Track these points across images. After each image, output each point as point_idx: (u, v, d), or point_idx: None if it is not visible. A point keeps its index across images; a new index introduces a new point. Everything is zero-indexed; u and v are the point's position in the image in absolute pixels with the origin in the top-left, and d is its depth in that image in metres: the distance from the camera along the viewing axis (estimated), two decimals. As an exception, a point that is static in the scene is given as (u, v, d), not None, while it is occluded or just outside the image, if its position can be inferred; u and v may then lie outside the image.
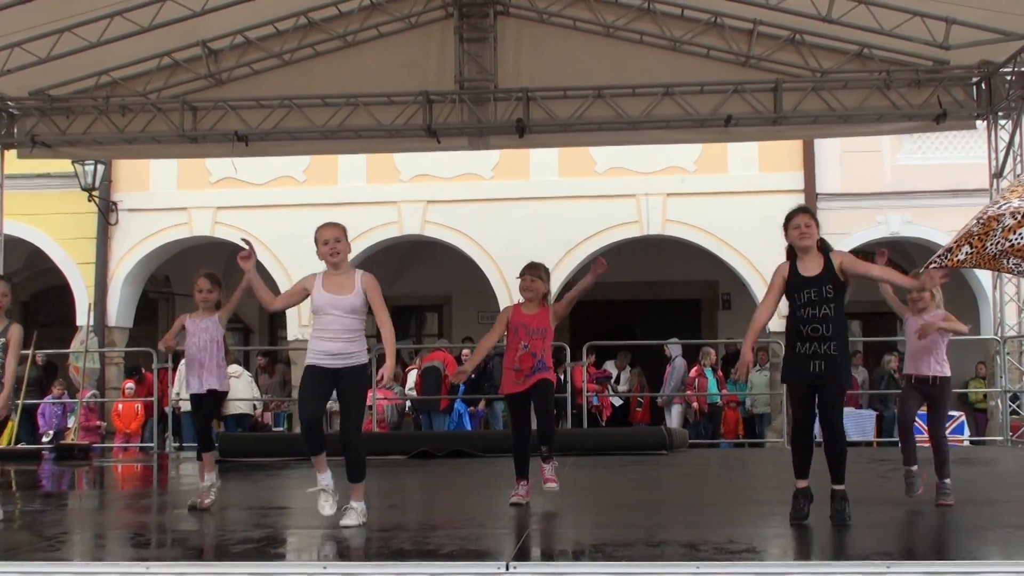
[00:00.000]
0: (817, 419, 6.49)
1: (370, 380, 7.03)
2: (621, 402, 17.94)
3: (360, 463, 6.63)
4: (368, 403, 8.30)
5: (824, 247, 6.55)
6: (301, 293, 6.79)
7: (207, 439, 7.92)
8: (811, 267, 6.48)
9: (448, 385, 16.39)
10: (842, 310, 6.43)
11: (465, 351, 17.45)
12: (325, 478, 6.67)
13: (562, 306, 7.65)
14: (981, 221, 6.57)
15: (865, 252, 19.14)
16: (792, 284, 6.49)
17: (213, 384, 7.68)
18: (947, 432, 8.10)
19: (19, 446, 14.63)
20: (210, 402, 7.81)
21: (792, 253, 6.59)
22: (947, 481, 7.17)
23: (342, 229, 6.75)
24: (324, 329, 6.58)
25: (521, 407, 7.55)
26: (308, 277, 6.77)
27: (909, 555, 5.26)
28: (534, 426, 7.65)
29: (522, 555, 5.53)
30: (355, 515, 6.48)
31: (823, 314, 6.36)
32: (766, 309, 6.68)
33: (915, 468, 7.26)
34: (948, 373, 7.30)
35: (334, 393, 6.71)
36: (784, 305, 6.63)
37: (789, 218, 6.59)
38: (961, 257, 6.85)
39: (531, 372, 7.39)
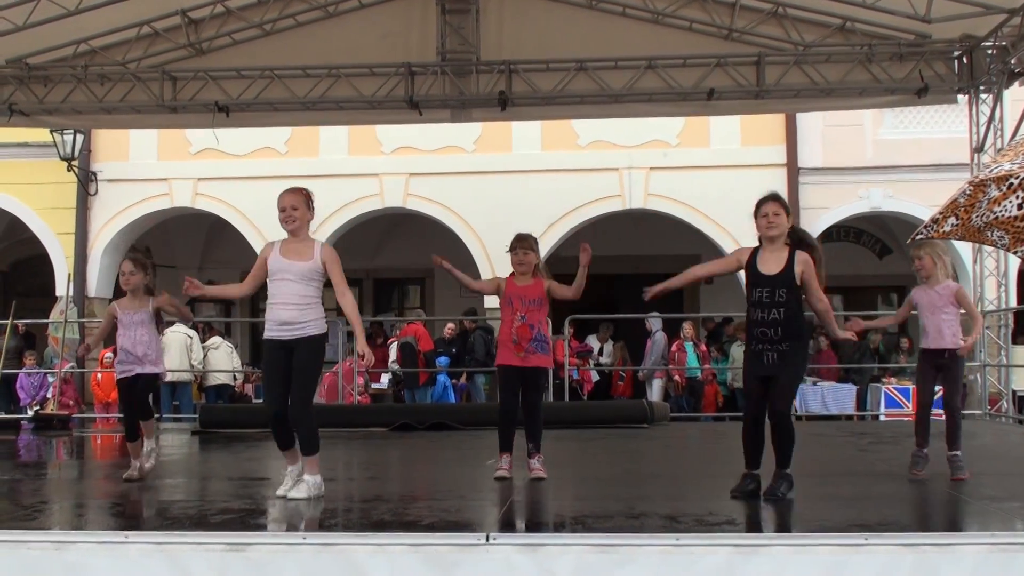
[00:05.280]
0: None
1: (324, 352, 6.84)
2: (598, 378, 17.99)
3: (309, 436, 6.42)
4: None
5: (795, 240, 6.35)
6: (264, 265, 6.54)
7: (146, 410, 7.61)
8: (772, 263, 6.27)
9: (424, 359, 16.38)
10: (796, 309, 6.22)
11: (450, 325, 17.46)
12: (295, 470, 6.51)
13: (559, 291, 7.41)
14: (966, 192, 6.54)
15: (845, 226, 19.25)
16: (749, 278, 6.35)
17: (147, 370, 7.43)
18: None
19: (-2, 416, 14.58)
20: (144, 380, 7.51)
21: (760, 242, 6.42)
22: (958, 453, 7.15)
23: (302, 196, 6.56)
24: (276, 295, 6.43)
25: (514, 382, 7.35)
26: (266, 247, 6.62)
27: (887, 527, 5.28)
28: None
29: (503, 526, 5.53)
30: (305, 488, 6.33)
31: (772, 318, 6.18)
32: (705, 269, 6.68)
33: (925, 451, 7.24)
34: (960, 345, 7.25)
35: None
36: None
37: (758, 205, 6.38)
38: (947, 229, 6.82)
39: (530, 346, 7.25)
